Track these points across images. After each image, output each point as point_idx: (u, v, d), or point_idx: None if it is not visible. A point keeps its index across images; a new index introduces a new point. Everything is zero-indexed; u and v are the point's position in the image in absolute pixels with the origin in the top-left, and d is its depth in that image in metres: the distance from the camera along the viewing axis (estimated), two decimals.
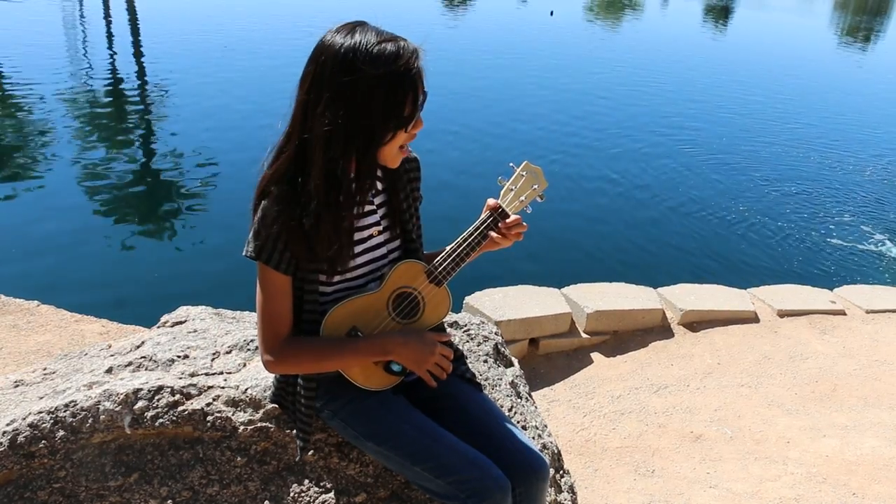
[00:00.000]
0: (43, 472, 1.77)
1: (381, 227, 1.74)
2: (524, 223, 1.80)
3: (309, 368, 1.71)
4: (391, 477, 1.94)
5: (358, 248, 1.70)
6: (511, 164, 1.82)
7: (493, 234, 1.77)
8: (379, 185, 1.75)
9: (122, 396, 1.84)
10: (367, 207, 1.71)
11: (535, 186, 1.80)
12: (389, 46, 1.49)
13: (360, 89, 1.49)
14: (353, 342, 1.69)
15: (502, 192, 1.80)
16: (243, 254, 1.61)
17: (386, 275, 1.73)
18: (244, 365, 2.08)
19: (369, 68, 1.47)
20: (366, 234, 1.72)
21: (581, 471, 3.54)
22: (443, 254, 1.78)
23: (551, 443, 2.33)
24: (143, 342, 2.18)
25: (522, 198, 1.80)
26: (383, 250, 1.76)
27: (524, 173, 1.80)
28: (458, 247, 1.77)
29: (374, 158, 1.59)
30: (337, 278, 1.68)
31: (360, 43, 1.48)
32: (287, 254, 1.59)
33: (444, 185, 8.12)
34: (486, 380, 2.30)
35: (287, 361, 1.67)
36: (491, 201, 1.80)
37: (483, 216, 1.79)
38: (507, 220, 1.78)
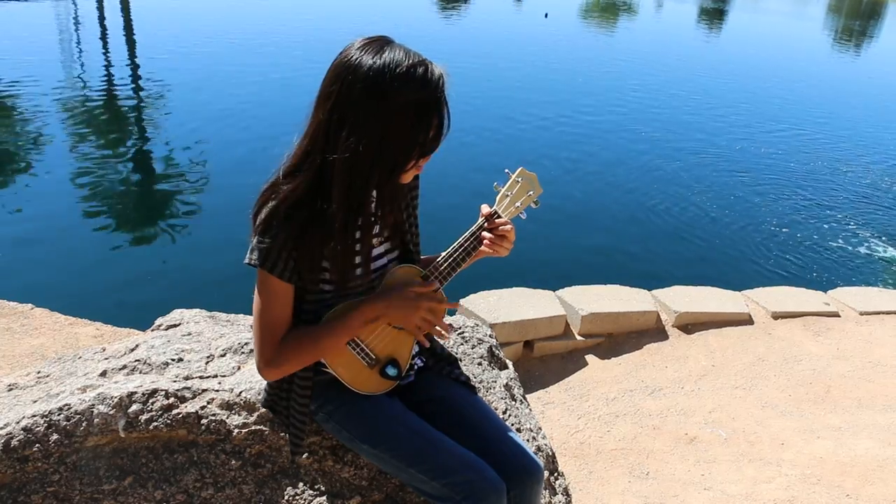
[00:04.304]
0: (37, 476, 1.76)
1: (381, 238, 1.75)
2: (511, 224, 1.80)
3: (307, 362, 1.68)
4: (386, 480, 1.94)
5: (358, 259, 1.70)
6: (507, 170, 1.82)
7: (485, 234, 1.78)
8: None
9: (116, 400, 1.84)
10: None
11: (531, 192, 1.81)
12: (419, 71, 1.45)
13: (387, 116, 1.46)
14: (341, 321, 1.65)
15: (498, 198, 1.81)
16: (245, 261, 1.58)
17: (382, 279, 1.74)
18: (238, 368, 2.08)
19: (398, 95, 1.44)
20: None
21: (575, 473, 3.55)
22: (438, 259, 1.78)
23: (546, 445, 2.33)
24: (137, 345, 2.18)
25: (518, 204, 1.80)
26: (384, 260, 1.77)
27: (519, 179, 1.81)
28: (454, 252, 1.78)
29: (396, 185, 1.59)
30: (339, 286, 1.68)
31: (388, 66, 1.44)
32: (292, 263, 1.57)
33: (440, 188, 8.12)
34: (480, 382, 2.30)
35: (283, 365, 1.65)
36: (485, 208, 1.80)
37: (479, 222, 1.79)
38: (496, 221, 1.78)
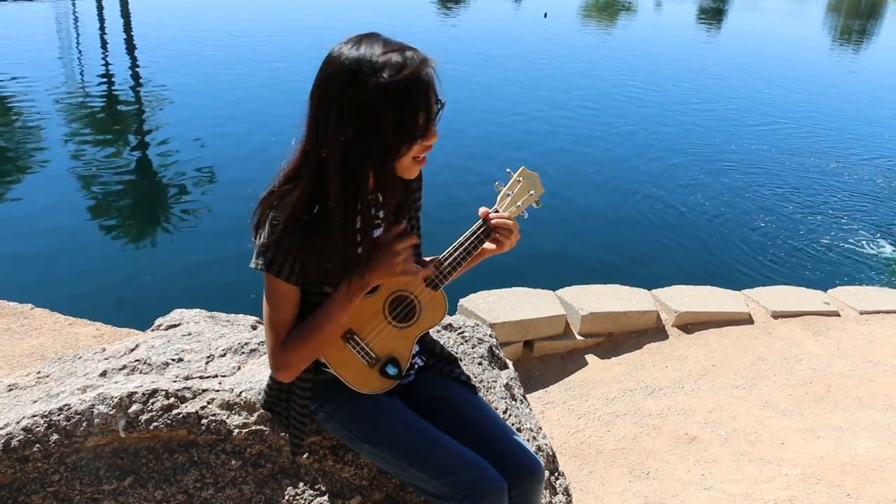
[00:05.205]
0: (37, 476, 1.76)
1: None
2: (514, 221, 1.80)
3: (312, 354, 1.67)
4: (386, 479, 1.94)
5: None
6: (508, 170, 1.83)
7: (488, 240, 1.78)
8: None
9: (116, 400, 1.84)
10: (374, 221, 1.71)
11: (532, 192, 1.82)
12: (395, 57, 1.45)
13: (366, 102, 1.45)
14: (331, 301, 1.63)
15: (499, 198, 1.81)
16: (251, 266, 1.58)
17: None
18: (238, 368, 2.08)
19: (374, 79, 1.44)
20: None
21: (576, 473, 3.55)
22: (440, 258, 1.79)
23: (546, 445, 2.33)
24: (137, 345, 2.18)
25: (519, 203, 1.81)
26: None
27: (521, 179, 1.81)
28: (455, 251, 1.78)
29: (392, 172, 1.58)
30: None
31: (365, 54, 1.45)
32: (298, 265, 1.58)
33: (440, 187, 8.12)
34: (480, 382, 2.30)
35: (293, 362, 1.64)
36: (483, 211, 1.80)
37: (479, 222, 1.79)
38: (494, 215, 1.78)
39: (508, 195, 1.80)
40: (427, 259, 1.85)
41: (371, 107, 1.46)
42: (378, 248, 1.63)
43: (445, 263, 1.77)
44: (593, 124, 11.93)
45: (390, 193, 1.66)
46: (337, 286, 1.65)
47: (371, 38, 1.50)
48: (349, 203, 1.54)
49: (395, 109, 1.47)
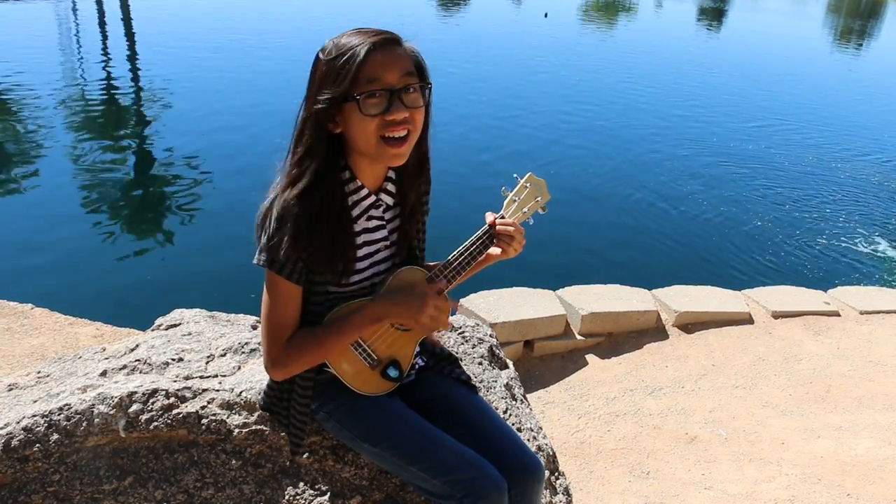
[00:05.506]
0: (37, 476, 1.76)
1: (388, 243, 1.75)
2: (520, 226, 1.80)
3: (313, 362, 1.68)
4: (386, 479, 1.94)
5: (364, 263, 1.69)
6: (515, 175, 1.82)
7: (492, 246, 1.78)
8: (390, 201, 1.74)
9: (116, 400, 1.84)
10: (377, 223, 1.71)
11: (538, 198, 1.81)
12: (342, 38, 1.51)
13: (317, 72, 1.53)
14: (347, 321, 1.65)
15: (505, 203, 1.81)
16: (254, 262, 1.58)
17: (386, 280, 1.73)
18: (239, 368, 2.08)
19: (325, 55, 1.51)
20: (373, 248, 1.72)
21: (576, 473, 3.55)
22: (444, 262, 1.78)
23: (546, 445, 2.33)
24: (137, 345, 2.18)
25: (525, 209, 1.80)
26: (388, 264, 1.77)
27: (528, 185, 1.81)
28: (460, 256, 1.77)
29: (327, 147, 1.58)
30: (341, 289, 1.68)
31: (332, 39, 1.53)
32: (301, 264, 1.57)
33: (441, 190, 8.11)
34: (480, 382, 2.30)
35: (289, 365, 1.65)
36: (489, 216, 1.80)
37: (484, 227, 1.79)
38: (500, 220, 1.78)
39: (515, 201, 1.80)
40: (431, 264, 1.85)
41: (318, 75, 1.53)
42: (414, 292, 1.66)
43: (449, 268, 1.77)
44: (594, 124, 11.93)
45: (372, 181, 1.67)
46: (339, 286, 1.65)
47: (358, 28, 1.54)
48: (327, 188, 1.56)
49: (321, 81, 1.52)
